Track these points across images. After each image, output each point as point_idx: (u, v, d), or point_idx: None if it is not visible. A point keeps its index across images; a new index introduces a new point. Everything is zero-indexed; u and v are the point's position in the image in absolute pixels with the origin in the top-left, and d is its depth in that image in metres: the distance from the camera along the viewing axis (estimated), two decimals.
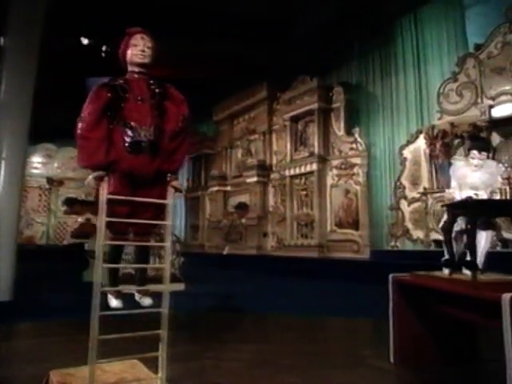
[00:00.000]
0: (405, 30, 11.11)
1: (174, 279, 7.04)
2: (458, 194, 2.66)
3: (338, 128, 11.63)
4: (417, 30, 10.87)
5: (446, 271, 2.45)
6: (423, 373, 2.60)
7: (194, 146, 15.58)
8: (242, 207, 13.98)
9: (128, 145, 1.96)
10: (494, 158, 8.07)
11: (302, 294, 6.68)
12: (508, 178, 2.60)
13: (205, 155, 16.21)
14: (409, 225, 9.41)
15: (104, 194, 1.85)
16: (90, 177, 1.93)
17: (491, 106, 8.04)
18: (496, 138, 8.10)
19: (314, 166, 11.62)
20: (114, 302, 2.10)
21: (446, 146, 8.79)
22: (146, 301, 2.14)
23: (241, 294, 6.60)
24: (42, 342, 3.41)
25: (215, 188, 15.12)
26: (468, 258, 2.29)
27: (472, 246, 2.22)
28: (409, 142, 9.79)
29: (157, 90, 2.10)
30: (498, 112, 7.95)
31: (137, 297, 2.19)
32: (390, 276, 2.87)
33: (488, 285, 2.05)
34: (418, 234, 9.14)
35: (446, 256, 2.47)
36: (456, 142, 8.75)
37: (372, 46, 11.84)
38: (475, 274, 2.11)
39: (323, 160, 11.61)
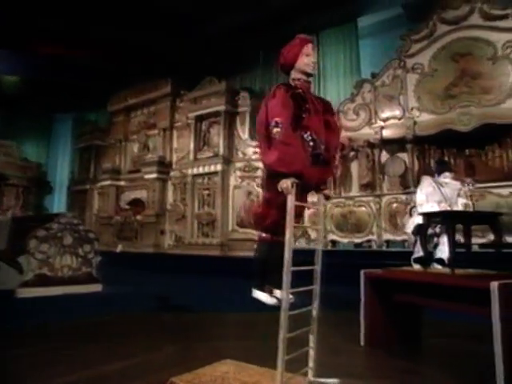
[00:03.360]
0: None
1: (90, 279, 6.62)
2: (425, 205, 3.24)
3: (243, 131, 12.10)
4: (318, 50, 11.97)
5: (417, 267, 2.99)
6: (387, 351, 3.10)
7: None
8: (137, 203, 13.50)
9: (310, 156, 2.02)
10: (383, 172, 9.48)
11: (226, 291, 6.89)
12: (471, 196, 3.25)
13: (95, 146, 15.13)
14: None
15: (292, 201, 1.93)
16: (289, 182, 1.93)
17: (382, 127, 9.37)
18: (385, 155, 9.45)
19: (219, 167, 11.88)
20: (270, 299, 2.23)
21: (343, 157, 9.92)
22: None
23: (165, 293, 6.50)
24: None
25: (107, 182, 14.24)
26: (437, 256, 2.86)
27: (451, 247, 2.78)
28: None
29: (324, 104, 2.15)
30: (388, 133, 9.31)
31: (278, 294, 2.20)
32: (362, 272, 3.33)
33: (467, 276, 2.61)
34: (316, 235, 10.08)
35: (419, 254, 3.01)
36: (351, 154, 9.95)
37: (276, 58, 12.58)
38: (453, 268, 2.66)
39: (227, 161, 11.95)
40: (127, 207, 13.73)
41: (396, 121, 9.32)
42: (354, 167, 9.92)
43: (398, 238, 8.92)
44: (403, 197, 8.93)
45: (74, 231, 6.35)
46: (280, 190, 1.97)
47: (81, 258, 6.40)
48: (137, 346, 3.16)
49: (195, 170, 12.35)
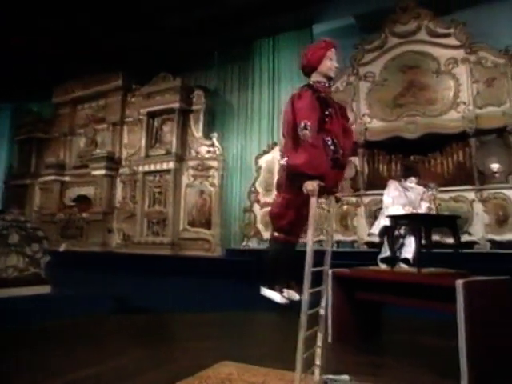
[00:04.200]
0: (263, 51, 12.30)
1: (38, 280, 6.26)
2: (391, 208, 3.44)
3: (197, 130, 12.00)
4: (274, 53, 12.19)
5: (383, 266, 3.17)
6: (354, 346, 3.26)
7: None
8: (83, 200, 12.94)
9: (331, 159, 2.04)
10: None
11: (181, 290, 6.83)
12: (434, 199, 3.47)
13: (37, 139, 14.24)
14: (260, 226, 10.46)
15: (316, 202, 1.98)
16: (315, 185, 1.96)
17: None
18: None
19: (171, 165, 11.70)
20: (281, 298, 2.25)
21: None
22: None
23: (119, 294, 6.29)
24: None
25: (51, 177, 13.48)
26: (403, 256, 3.06)
27: (418, 247, 2.98)
28: (265, 152, 10.88)
29: (340, 108, 2.17)
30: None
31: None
32: (330, 271, 3.46)
33: (433, 275, 2.82)
34: (269, 235, 10.26)
35: (385, 254, 3.19)
36: None
37: (232, 58, 12.65)
38: (420, 268, 2.86)
39: (180, 159, 11.79)
40: (72, 204, 13.10)
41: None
42: None
43: (348, 239, 9.32)
44: (354, 199, 9.32)
45: (21, 229, 5.97)
46: (305, 191, 2.01)
47: (28, 258, 6.01)
48: (102, 351, 3.04)
49: (146, 168, 12.07)
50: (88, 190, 12.99)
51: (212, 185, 11.61)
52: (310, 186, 1.99)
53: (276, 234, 2.40)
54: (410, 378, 2.26)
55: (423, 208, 3.40)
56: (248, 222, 10.66)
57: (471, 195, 8.15)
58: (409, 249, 3.17)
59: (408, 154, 9.30)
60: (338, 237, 9.41)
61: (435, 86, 8.86)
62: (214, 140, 11.73)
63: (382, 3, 9.83)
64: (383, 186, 9.02)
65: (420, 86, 8.96)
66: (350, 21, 11.20)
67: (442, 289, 2.54)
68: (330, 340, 3.35)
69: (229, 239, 11.52)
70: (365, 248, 9.02)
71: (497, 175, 8.22)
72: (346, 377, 1.83)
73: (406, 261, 3.05)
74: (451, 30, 8.85)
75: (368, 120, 9.50)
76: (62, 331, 3.77)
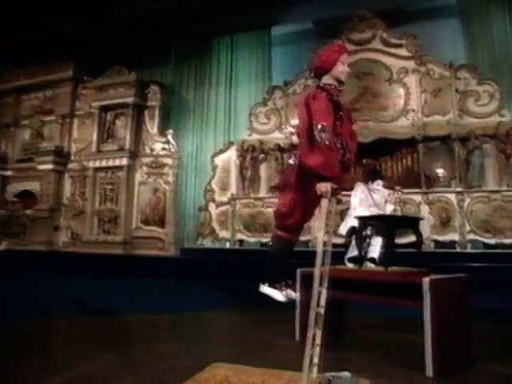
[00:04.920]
0: (222, 50, 12.28)
1: None
2: (358, 209, 3.58)
3: (152, 126, 11.74)
4: (232, 52, 12.20)
5: (350, 265, 3.29)
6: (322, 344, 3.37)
7: None
8: (27, 196, 12.23)
9: (341, 162, 2.08)
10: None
11: (136, 291, 6.66)
12: (399, 201, 3.62)
13: None
14: (215, 225, 10.42)
15: (327, 203, 2.04)
16: (329, 187, 2.01)
17: (292, 133, 9.89)
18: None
19: (124, 161, 11.37)
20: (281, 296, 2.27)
21: (254, 159, 10.24)
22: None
23: (73, 295, 6.04)
24: None
25: None
26: (369, 255, 3.21)
27: (386, 247, 3.12)
28: (221, 151, 10.85)
29: (348, 112, 2.22)
30: (296, 139, 9.86)
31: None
32: (298, 270, 3.54)
33: (400, 273, 2.97)
34: (224, 234, 10.26)
35: (353, 254, 3.32)
36: (261, 156, 10.32)
37: (189, 55, 12.49)
38: (387, 266, 3.00)
39: (134, 156, 11.49)
40: (14, 200, 12.33)
41: None
42: (263, 169, 10.30)
43: (303, 238, 9.51)
44: None
45: None
46: (318, 192, 2.05)
47: None
48: (68, 356, 2.89)
49: (97, 163, 11.63)
50: (33, 186, 12.29)
51: (166, 182, 11.42)
52: (324, 187, 2.04)
53: (280, 232, 2.42)
54: (386, 372, 2.37)
55: (388, 210, 3.58)
56: (203, 221, 10.58)
57: (418, 198, 8.63)
58: (375, 248, 3.33)
59: (361, 158, 9.66)
60: (243, 236, 9.72)
61: (387, 94, 9.30)
62: (169, 137, 11.54)
63: (339, 11, 10.15)
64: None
65: (373, 93, 9.37)
66: (308, 25, 11.46)
67: (408, 286, 2.69)
68: (297, 338, 3.41)
69: (182, 238, 11.39)
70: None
71: (441, 180, 8.78)
72: (347, 373, 1.88)
73: (372, 260, 3.20)
74: (403, 41, 9.33)
75: None
76: (15, 336, 3.53)
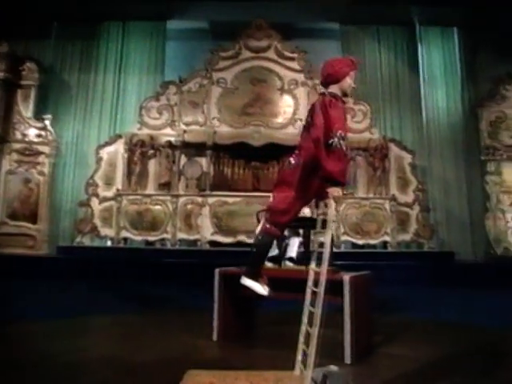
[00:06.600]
0: (112, 35, 11.53)
1: None
2: None
3: (25, 109, 10.44)
4: (123, 39, 11.55)
5: (269, 265, 3.44)
6: (238, 342, 3.44)
7: None
8: None
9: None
10: (180, 174, 9.88)
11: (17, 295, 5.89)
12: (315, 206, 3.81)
13: None
14: (98, 222, 9.75)
15: (334, 205, 2.15)
16: (341, 192, 2.13)
17: (185, 131, 9.83)
18: (184, 158, 9.92)
19: None
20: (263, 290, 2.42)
21: (143, 154, 9.88)
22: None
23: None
24: None
25: None
26: (288, 255, 3.43)
27: (306, 247, 3.34)
28: (107, 144, 10.21)
29: None
30: (189, 137, 9.83)
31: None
32: (216, 270, 3.59)
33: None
34: (107, 231, 9.67)
35: (272, 253, 3.47)
36: (151, 152, 10.00)
37: (75, 34, 11.37)
38: (307, 265, 3.21)
39: (1, 141, 10.08)
40: None
41: (198, 127, 9.95)
42: (152, 165, 10.00)
43: (192, 238, 9.54)
44: (199, 199, 9.58)
45: None
46: (330, 196, 2.16)
47: None
48: None
49: None
50: None
51: (41, 173, 10.29)
52: (337, 192, 2.17)
53: (272, 227, 2.46)
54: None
55: (305, 213, 3.86)
56: (84, 217, 9.81)
57: None
58: (293, 248, 3.57)
59: (250, 160, 10.09)
60: (182, 235, 9.55)
61: (279, 102, 9.89)
62: (47, 123, 10.43)
63: (236, 16, 10.41)
64: (228, 188, 9.70)
65: (266, 100, 9.87)
66: (204, 25, 11.52)
67: (329, 283, 2.97)
68: (214, 338, 3.40)
69: (57, 236, 10.38)
70: (207, 247, 9.40)
71: None
72: (334, 367, 1.97)
73: (291, 259, 3.43)
74: (295, 55, 10.02)
75: (217, 124, 9.93)
76: None
